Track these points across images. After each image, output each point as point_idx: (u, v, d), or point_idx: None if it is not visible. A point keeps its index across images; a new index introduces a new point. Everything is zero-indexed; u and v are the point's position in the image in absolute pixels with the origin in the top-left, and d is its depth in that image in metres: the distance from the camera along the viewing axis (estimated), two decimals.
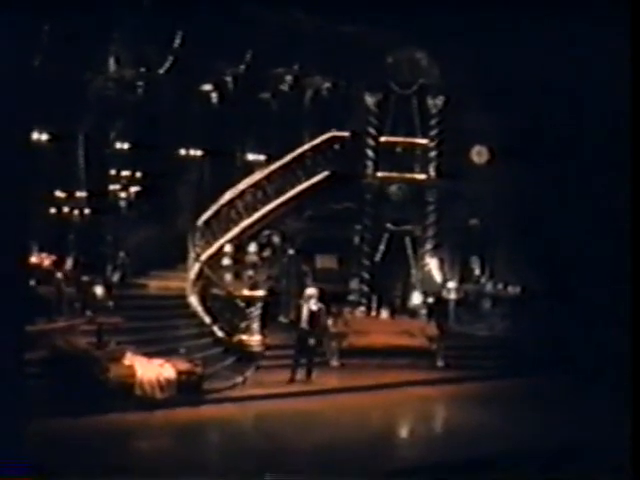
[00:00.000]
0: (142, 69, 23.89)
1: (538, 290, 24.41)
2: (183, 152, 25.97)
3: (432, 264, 25.49)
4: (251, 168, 26.19)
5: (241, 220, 23.96)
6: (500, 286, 25.38)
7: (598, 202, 23.21)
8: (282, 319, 23.88)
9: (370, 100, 25.54)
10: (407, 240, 25.81)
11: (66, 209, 22.84)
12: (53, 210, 22.70)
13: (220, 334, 20.96)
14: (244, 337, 20.69)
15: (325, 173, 25.28)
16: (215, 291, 21.82)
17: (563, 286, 23.57)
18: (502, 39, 22.20)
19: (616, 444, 13.45)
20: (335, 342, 22.85)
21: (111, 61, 23.10)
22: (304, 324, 20.57)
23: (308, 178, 25.11)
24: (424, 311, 24.68)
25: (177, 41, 23.31)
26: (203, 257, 22.44)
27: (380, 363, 22.50)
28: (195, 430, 16.99)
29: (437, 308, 24.61)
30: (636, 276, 12.32)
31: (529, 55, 21.97)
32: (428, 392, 21.08)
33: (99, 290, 20.69)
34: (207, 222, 23.21)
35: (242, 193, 24.19)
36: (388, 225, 25.64)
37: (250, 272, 21.48)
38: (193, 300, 21.77)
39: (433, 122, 25.57)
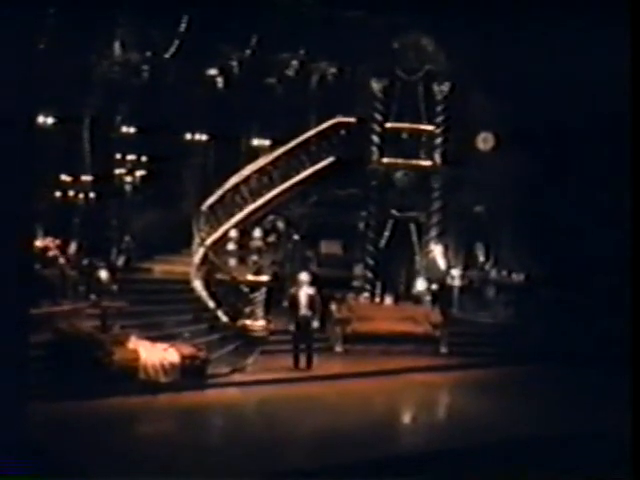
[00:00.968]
0: (148, 53, 23.87)
1: (542, 277, 24.40)
2: (188, 137, 25.97)
3: (437, 251, 25.47)
4: (256, 153, 26.19)
5: (246, 205, 23.95)
6: (504, 273, 25.36)
7: (602, 189, 23.18)
8: (286, 304, 23.88)
9: (376, 86, 25.48)
10: (412, 226, 25.78)
11: (71, 193, 22.88)
12: (58, 194, 22.73)
13: (224, 319, 20.97)
14: (248, 322, 20.71)
15: (330, 159, 25.24)
16: (219, 276, 21.83)
17: (567, 274, 23.55)
18: (508, 26, 22.14)
19: (617, 432, 13.47)
20: (339, 328, 22.89)
21: (117, 45, 23.08)
22: (304, 309, 20.56)
23: (313, 164, 25.08)
24: (428, 298, 24.69)
25: (183, 25, 23.29)
26: (208, 242, 22.46)
27: (384, 349, 22.54)
28: (199, 414, 17.04)
29: (441, 295, 24.64)
30: (639, 263, 12.33)
31: (535, 42, 21.91)
32: (431, 378, 21.11)
33: (104, 274, 20.73)
34: (212, 207, 23.21)
35: (247, 178, 24.17)
36: (393, 211, 25.61)
37: (254, 257, 21.46)
38: (197, 285, 21.78)
39: (439, 108, 25.50)
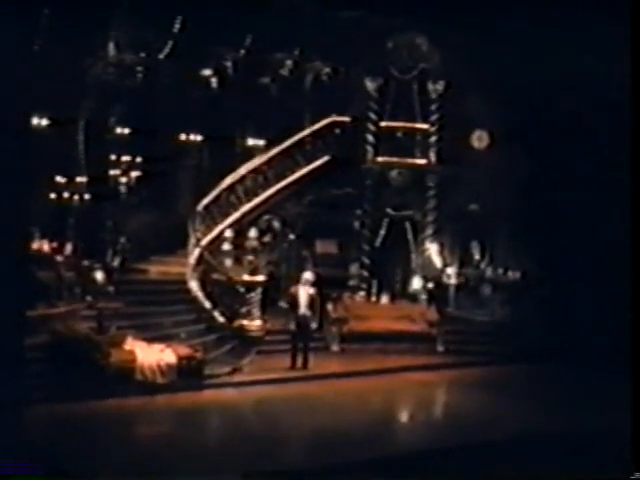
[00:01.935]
0: (142, 54, 23.83)
1: (538, 275, 24.42)
2: (183, 137, 25.91)
3: (432, 249, 25.50)
4: (251, 153, 26.13)
5: (241, 205, 23.95)
6: (500, 271, 25.37)
7: (599, 186, 23.18)
8: (282, 304, 23.86)
9: (370, 85, 25.51)
10: (407, 225, 25.82)
11: (66, 194, 22.82)
12: (53, 195, 22.68)
13: (220, 319, 20.95)
14: (244, 322, 20.69)
15: (325, 158, 25.27)
16: (215, 276, 21.81)
17: (563, 271, 23.57)
18: (502, 24, 22.14)
19: (616, 429, 13.48)
20: (335, 327, 22.92)
21: (111, 46, 23.04)
22: (304, 309, 20.56)
23: (308, 163, 25.10)
24: (424, 296, 24.73)
25: (177, 26, 23.27)
26: (203, 242, 22.43)
27: (380, 348, 22.57)
28: (196, 415, 17.04)
29: (437, 293, 24.67)
30: (637, 261, 12.34)
31: (530, 40, 21.92)
32: (428, 377, 21.14)
33: (100, 275, 20.72)
34: (207, 207, 23.18)
35: (242, 178, 24.17)
36: (388, 210, 25.64)
37: (250, 257, 21.47)
38: (193, 285, 21.75)
39: (433, 107, 25.55)
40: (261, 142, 27.00)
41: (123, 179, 24.59)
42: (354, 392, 19.39)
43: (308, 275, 21.08)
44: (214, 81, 26.11)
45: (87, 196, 23.11)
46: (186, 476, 13.15)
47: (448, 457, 14.56)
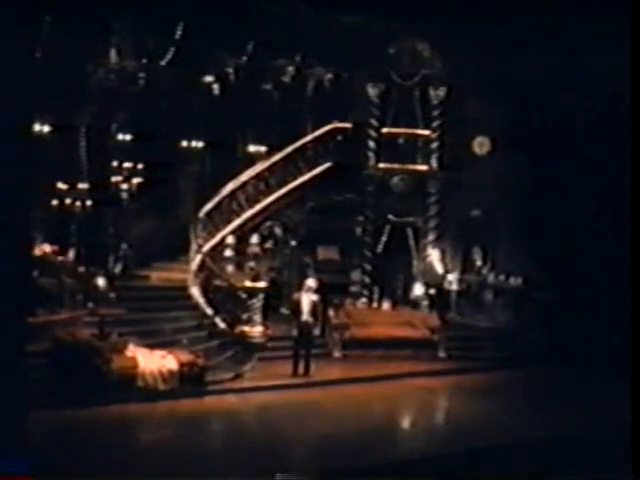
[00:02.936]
0: (144, 60, 23.84)
1: (540, 281, 24.39)
2: (185, 143, 25.92)
3: (434, 255, 25.52)
4: (253, 159, 26.14)
5: (243, 211, 23.97)
6: (502, 277, 25.34)
7: (600, 192, 23.18)
8: (284, 310, 23.85)
9: (372, 91, 25.55)
10: (409, 231, 25.85)
11: (68, 201, 22.81)
12: (55, 202, 22.68)
13: (222, 325, 20.94)
14: (246, 328, 20.67)
15: (327, 164, 25.30)
16: (217, 282, 21.81)
17: (565, 277, 23.54)
18: (504, 30, 22.16)
19: (617, 436, 13.46)
20: (337, 333, 22.89)
21: (113, 52, 23.03)
22: (306, 316, 20.54)
23: (310, 169, 25.13)
24: (426, 302, 24.72)
25: (179, 32, 23.27)
26: (205, 248, 22.44)
27: (382, 354, 22.54)
28: (197, 421, 17.02)
29: (439, 299, 24.66)
30: (637, 267, 12.33)
31: (531, 46, 21.92)
32: (430, 383, 21.09)
33: (101, 281, 20.72)
34: (209, 213, 23.20)
35: (244, 184, 24.19)
36: (390, 216, 25.66)
37: (252, 263, 21.46)
38: (195, 291, 21.75)
39: (435, 113, 25.58)
40: (263, 148, 27.01)
41: (125, 185, 24.58)
42: (356, 398, 19.36)
43: (311, 282, 21.07)
44: (216, 87, 26.13)
45: (89, 202, 23.10)
46: None
47: (450, 463, 14.54)
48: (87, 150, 22.91)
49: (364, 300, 25.05)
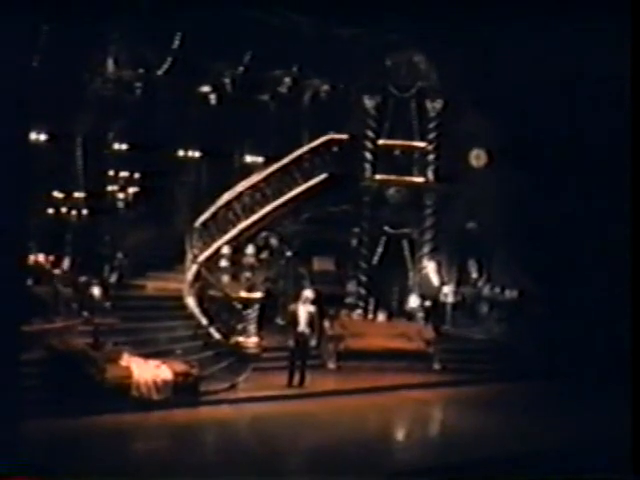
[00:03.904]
0: (141, 70, 23.91)
1: (535, 294, 24.39)
2: (181, 153, 25.97)
3: (429, 267, 25.50)
4: (249, 170, 26.19)
5: (239, 222, 23.96)
6: (497, 289, 25.33)
7: (597, 205, 23.20)
8: (279, 321, 23.83)
9: (369, 103, 25.56)
10: (404, 243, 25.85)
11: (64, 209, 22.82)
12: (51, 210, 22.68)
13: (217, 336, 20.93)
14: (241, 339, 20.67)
15: (323, 175, 25.28)
16: (212, 293, 21.81)
17: (560, 290, 23.55)
18: (501, 42, 22.19)
19: (614, 449, 13.45)
20: (332, 345, 22.84)
21: (110, 62, 23.09)
22: (303, 327, 20.48)
23: (306, 180, 25.11)
24: (421, 314, 24.70)
25: (176, 42, 23.33)
26: (200, 259, 22.44)
27: (377, 366, 22.48)
28: (191, 432, 16.98)
29: (434, 311, 24.64)
30: (635, 279, 12.34)
31: (527, 58, 21.96)
32: (425, 395, 21.08)
33: (96, 291, 20.69)
34: (205, 224, 23.21)
35: (240, 195, 24.18)
36: (386, 228, 25.65)
37: (247, 274, 21.46)
38: (190, 301, 21.75)
39: (431, 125, 25.58)
40: (259, 159, 27.08)
41: (121, 195, 24.62)
42: (350, 410, 19.34)
43: (308, 293, 21.02)
44: (212, 98, 26.18)
45: (85, 211, 23.12)
46: None
47: (445, 475, 14.52)
48: (83, 159, 22.94)
49: (359, 311, 25.01)
